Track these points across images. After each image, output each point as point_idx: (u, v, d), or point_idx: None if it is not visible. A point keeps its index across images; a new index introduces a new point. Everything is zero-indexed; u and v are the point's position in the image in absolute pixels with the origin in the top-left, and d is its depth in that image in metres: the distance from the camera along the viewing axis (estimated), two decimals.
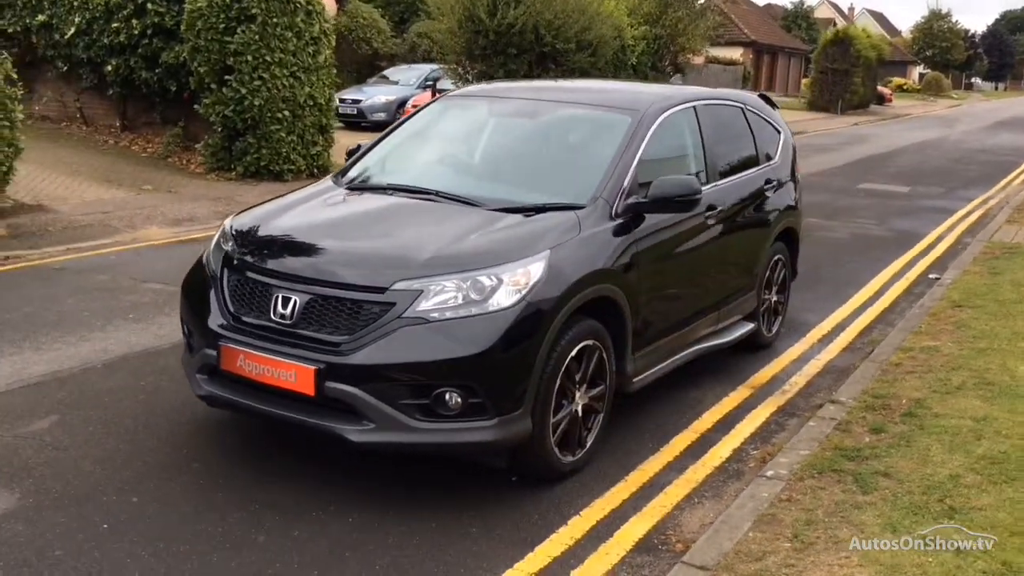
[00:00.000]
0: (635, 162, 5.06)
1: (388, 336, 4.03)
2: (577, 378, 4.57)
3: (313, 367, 4.05)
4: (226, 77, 13.06)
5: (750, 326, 6.44)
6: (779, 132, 7.03)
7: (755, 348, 6.73)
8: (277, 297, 4.26)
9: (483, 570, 3.81)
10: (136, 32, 14.21)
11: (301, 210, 4.99)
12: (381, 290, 4.12)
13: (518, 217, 4.66)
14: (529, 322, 4.16)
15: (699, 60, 28.08)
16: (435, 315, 4.07)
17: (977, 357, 6.39)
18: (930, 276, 9.26)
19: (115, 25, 14.41)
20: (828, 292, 8.56)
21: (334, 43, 14.41)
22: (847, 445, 4.97)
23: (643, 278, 4.97)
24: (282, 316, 4.22)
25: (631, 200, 4.92)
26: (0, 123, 9.86)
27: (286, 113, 13.22)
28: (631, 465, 4.85)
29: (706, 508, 4.42)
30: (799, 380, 6.28)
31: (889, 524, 4.08)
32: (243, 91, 12.85)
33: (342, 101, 20.10)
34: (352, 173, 5.54)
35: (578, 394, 4.58)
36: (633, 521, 4.28)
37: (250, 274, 4.42)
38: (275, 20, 13.07)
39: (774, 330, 6.95)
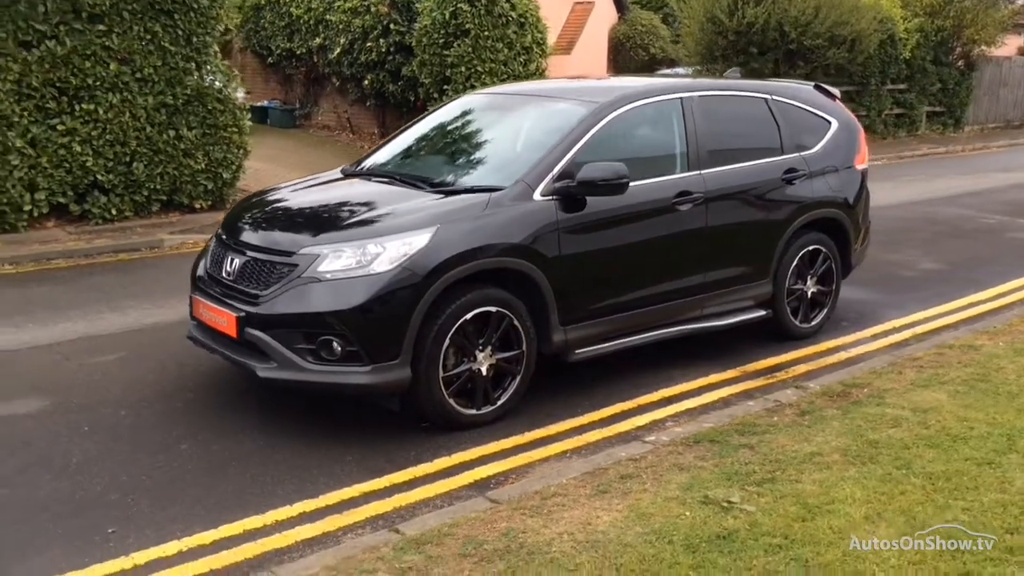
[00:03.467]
0: (574, 149, 5.54)
1: (289, 291, 4.95)
2: (480, 341, 5.17)
3: (236, 315, 5.05)
4: (444, 87, 14.48)
5: (759, 313, 6.56)
6: (829, 123, 7.00)
7: (783, 337, 6.78)
8: (227, 259, 5.32)
9: (328, 486, 4.57)
10: (383, 50, 16.08)
11: (289, 191, 6.02)
12: (290, 254, 5.04)
13: (436, 197, 5.37)
14: (404, 284, 4.87)
15: (1004, 51, 25.71)
16: (328, 275, 4.92)
17: (1012, 356, 6.07)
18: None
19: (368, 44, 16.38)
20: (940, 291, 8.23)
21: (547, 51, 15.35)
22: (752, 421, 5.15)
23: (575, 256, 5.44)
24: (227, 274, 5.27)
25: (559, 184, 5.41)
26: (231, 130, 11.83)
27: None
28: (539, 424, 5.34)
29: (565, 464, 4.83)
30: (802, 368, 6.32)
31: (692, 483, 4.33)
32: None
33: None
34: (365, 162, 6.48)
35: (481, 355, 5.19)
36: (491, 465, 4.83)
37: (221, 241, 5.53)
38: (487, 34, 14.29)
39: (814, 322, 6.94)
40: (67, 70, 10.38)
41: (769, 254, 6.51)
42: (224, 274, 5.32)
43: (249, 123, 12.31)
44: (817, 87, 7.30)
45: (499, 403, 5.33)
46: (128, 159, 10.97)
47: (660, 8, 29.52)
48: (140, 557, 3.91)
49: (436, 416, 5.16)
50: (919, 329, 7.12)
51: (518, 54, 14.60)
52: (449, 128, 6.54)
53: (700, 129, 6.16)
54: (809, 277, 6.85)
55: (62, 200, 10.62)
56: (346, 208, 5.53)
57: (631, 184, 5.62)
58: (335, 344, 4.87)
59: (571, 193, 5.43)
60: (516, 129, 6.20)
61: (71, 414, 5.37)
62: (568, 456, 4.95)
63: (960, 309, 7.72)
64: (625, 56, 28.34)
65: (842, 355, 6.60)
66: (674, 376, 6.11)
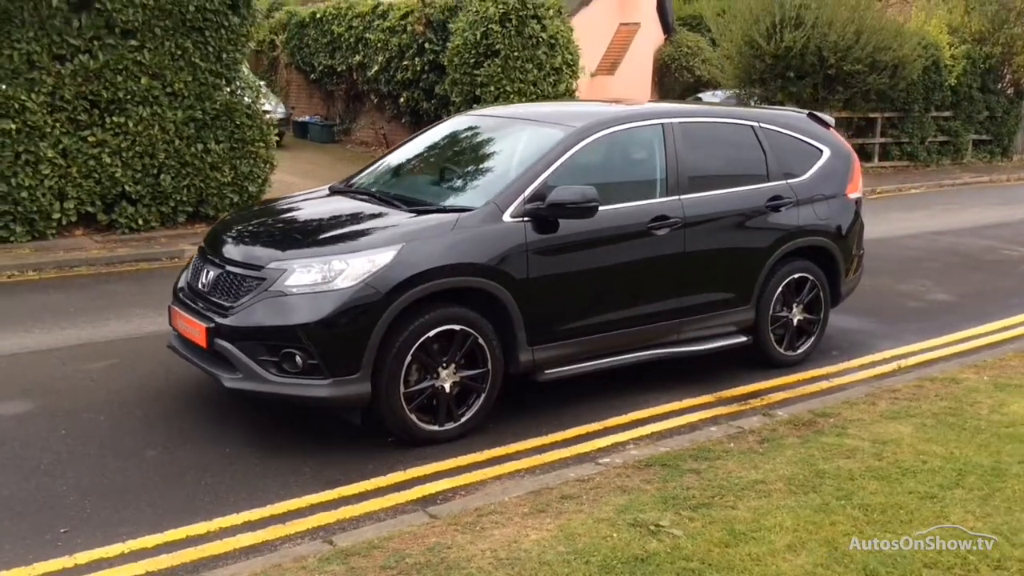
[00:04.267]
0: (547, 172, 5.64)
1: (255, 304, 5.11)
2: (444, 358, 5.28)
3: (206, 325, 5.22)
4: (474, 106, 14.66)
5: (741, 339, 6.57)
6: (820, 151, 7.01)
7: (767, 364, 6.78)
8: (204, 271, 5.51)
9: (279, 496, 4.71)
10: (418, 69, 16.36)
11: (275, 207, 6.22)
12: (259, 268, 5.21)
13: (409, 216, 5.51)
14: (366, 301, 5.00)
15: None
16: (294, 290, 5.07)
17: (991, 391, 6.01)
18: None
19: (405, 63, 16.67)
20: (943, 323, 8.16)
21: (579, 72, 15.46)
22: (709, 447, 5.18)
23: (544, 278, 5.53)
24: (203, 285, 5.46)
25: (530, 206, 5.51)
26: (258, 144, 12.14)
27: None
28: (502, 442, 5.43)
29: (514, 482, 4.90)
30: (779, 396, 6.32)
31: (629, 506, 4.38)
32: None
33: None
34: (354, 180, 6.64)
35: (444, 372, 5.29)
36: (443, 481, 4.92)
37: (201, 253, 5.73)
38: (516, 54, 14.45)
39: (800, 350, 6.93)
40: (99, 84, 10.75)
41: (751, 280, 6.52)
42: (200, 286, 5.51)
43: (276, 138, 12.61)
44: (811, 115, 7.31)
45: (462, 420, 5.42)
46: (156, 171, 11.32)
47: (707, 30, 29.45)
48: (83, 557, 4.07)
49: (397, 431, 5.27)
50: (909, 361, 7.05)
51: (548, 74, 14.72)
52: (435, 148, 6.69)
53: (681, 155, 6.21)
54: (795, 305, 6.84)
55: (90, 209, 10.99)
56: (320, 225, 5.70)
57: (605, 208, 5.72)
58: (297, 357, 5.02)
59: (541, 215, 5.52)
60: (497, 151, 6.32)
61: (53, 417, 5.59)
62: (521, 475, 5.01)
63: (958, 342, 7.62)
64: (671, 78, 28.35)
65: (824, 384, 6.57)
66: (648, 399, 6.15)
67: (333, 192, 6.45)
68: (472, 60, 14.61)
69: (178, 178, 11.46)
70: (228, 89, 11.84)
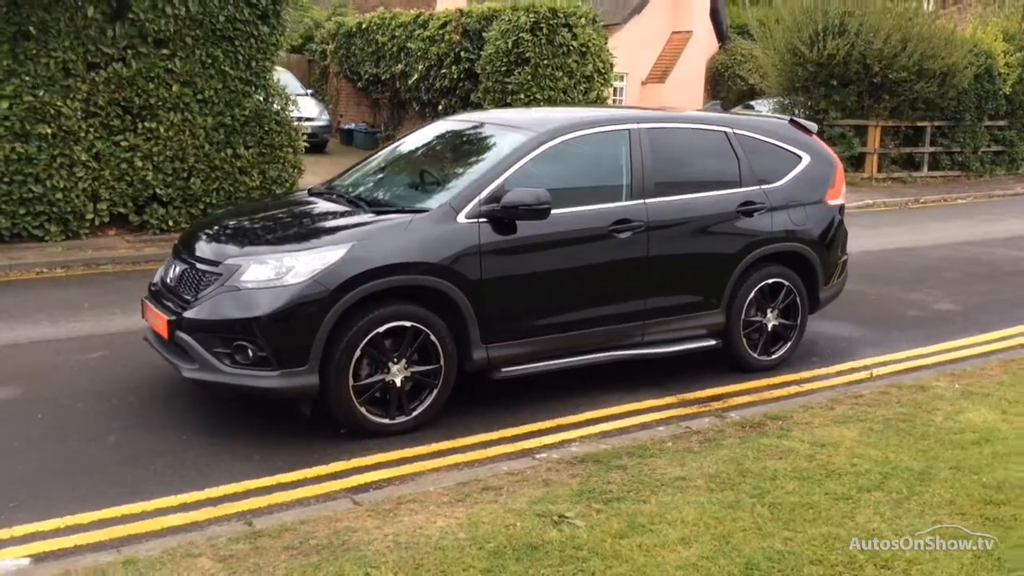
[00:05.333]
0: (505, 175, 5.78)
1: (211, 299, 5.36)
2: (396, 354, 5.46)
3: (168, 318, 5.49)
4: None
5: (709, 342, 6.62)
6: (799, 158, 7.03)
7: (740, 368, 6.81)
8: (172, 267, 5.79)
9: (221, 481, 4.92)
10: (455, 77, 16.62)
11: (252, 208, 6.48)
12: (216, 264, 5.46)
13: (369, 216, 5.71)
14: (313, 297, 5.20)
15: None
16: (248, 285, 5.31)
17: (954, 399, 5.98)
18: None
19: (443, 71, 16.95)
20: (939, 332, 8.09)
21: (611, 80, 15.55)
22: (647, 445, 5.26)
23: (498, 278, 5.68)
24: (170, 280, 5.73)
25: (486, 207, 5.67)
26: (286, 150, 12.51)
27: None
28: (452, 436, 5.58)
29: (448, 474, 5.03)
30: (742, 400, 6.35)
31: (544, 498, 4.50)
32: None
33: None
34: (334, 182, 6.87)
35: (395, 367, 5.47)
36: (382, 471, 5.09)
37: (174, 252, 6.01)
38: (546, 62, 14.61)
39: (775, 355, 6.94)
40: (132, 91, 11.23)
41: (720, 285, 6.57)
42: (168, 281, 5.78)
43: (305, 144, 12.95)
44: (792, 122, 7.32)
45: (414, 414, 5.59)
46: (186, 175, 11.75)
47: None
48: (20, 530, 4.33)
49: (347, 422, 5.46)
50: (888, 369, 7.02)
51: (578, 82, 14.86)
52: (410, 153, 6.89)
53: (648, 160, 6.30)
54: (770, 310, 6.85)
55: (123, 211, 11.47)
56: (282, 224, 5.95)
57: (564, 211, 5.86)
58: (248, 349, 5.24)
59: (496, 216, 5.66)
60: (465, 155, 6.49)
61: (33, 403, 5.91)
62: (460, 468, 5.15)
63: (947, 351, 7.54)
64: (724, 86, 28.22)
65: (793, 389, 6.58)
66: (609, 400, 6.24)
67: (311, 194, 6.69)
68: (503, 68, 14.82)
69: (207, 181, 11.87)
70: (259, 96, 12.22)
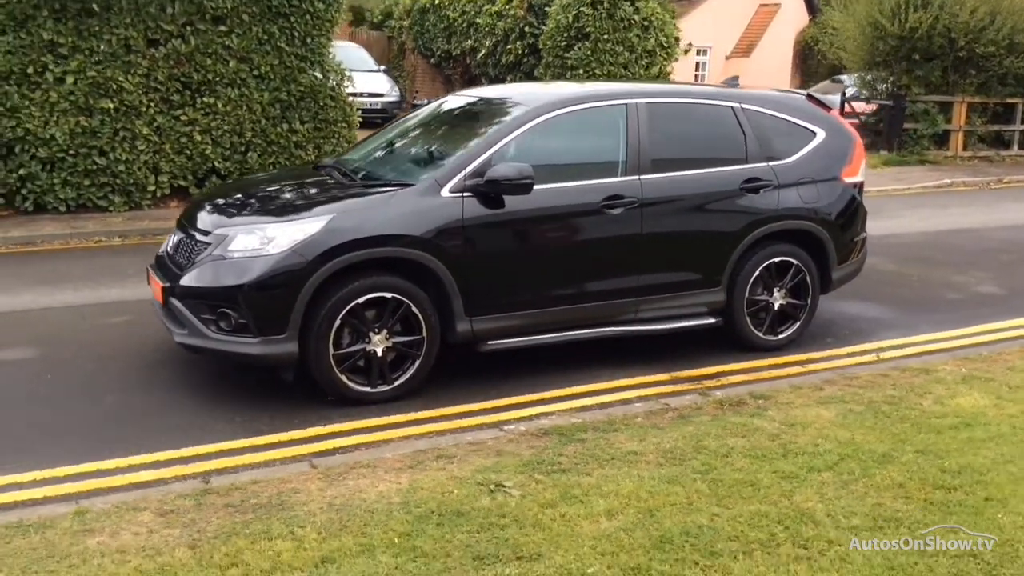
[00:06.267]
0: (491, 149, 5.83)
1: (200, 267, 5.58)
2: (377, 325, 5.59)
3: (163, 285, 5.74)
4: None
5: (708, 320, 6.57)
6: (813, 133, 6.88)
7: (744, 348, 6.74)
8: (173, 237, 6.04)
9: (199, 441, 5.12)
10: (519, 52, 16.65)
11: (257, 180, 6.68)
12: (207, 233, 5.67)
13: (356, 190, 5.86)
14: (292, 267, 5.36)
15: None
16: (235, 254, 5.51)
17: (951, 384, 5.82)
18: None
19: (508, 47, 16.99)
20: (973, 315, 7.83)
21: (675, 54, 15.33)
22: (616, 420, 5.29)
23: (482, 251, 5.76)
24: (171, 249, 5.98)
25: (471, 182, 5.74)
26: (340, 125, 12.78)
27: None
28: (433, 406, 5.69)
29: (411, 442, 5.14)
30: (737, 379, 6.27)
31: (491, 467, 4.58)
32: None
33: None
34: (343, 156, 7.03)
35: (376, 337, 5.61)
36: (354, 437, 5.24)
37: (177, 223, 6.26)
38: (606, 37, 14.51)
39: (782, 335, 6.83)
40: (190, 66, 11.62)
41: (720, 262, 6.49)
42: (169, 250, 6.03)
43: (360, 119, 13.18)
44: (809, 97, 7.15)
45: (396, 383, 5.71)
46: (244, 149, 12.12)
47: None
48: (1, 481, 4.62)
49: (328, 389, 5.62)
50: (901, 352, 6.84)
51: (639, 57, 14.71)
52: (413, 127, 6.99)
53: (644, 135, 6.25)
54: (777, 289, 6.74)
55: (183, 183, 11.89)
56: (275, 196, 6.13)
57: (552, 185, 5.90)
58: (231, 316, 5.45)
59: (480, 191, 5.72)
60: (460, 130, 6.55)
61: (48, 363, 6.26)
62: (430, 436, 5.26)
63: (971, 335, 7.29)
64: (814, 60, 27.48)
65: (796, 369, 6.48)
66: (601, 375, 6.26)
67: (316, 167, 6.86)
68: (563, 43, 14.78)
69: (264, 156, 12.22)
70: (315, 73, 12.48)
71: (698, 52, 26.34)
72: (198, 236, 5.77)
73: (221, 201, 6.24)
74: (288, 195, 6.10)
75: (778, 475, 4.46)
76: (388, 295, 5.58)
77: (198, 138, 11.78)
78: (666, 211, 6.28)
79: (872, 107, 19.37)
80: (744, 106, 6.71)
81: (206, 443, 5.11)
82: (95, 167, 11.29)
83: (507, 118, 6.07)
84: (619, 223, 6.12)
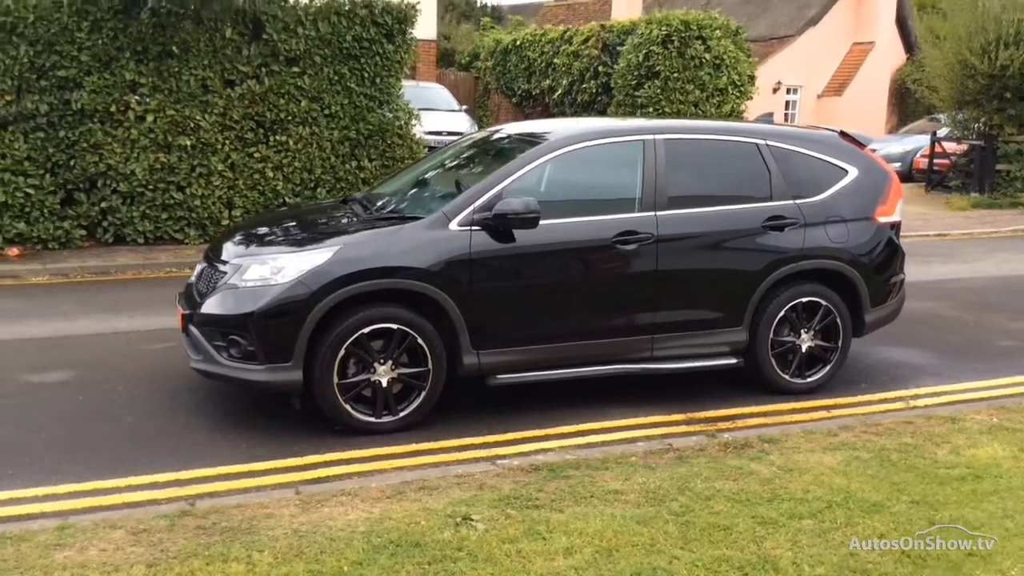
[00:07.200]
0: (502, 184, 5.88)
1: (215, 295, 5.77)
2: (383, 355, 5.68)
3: (184, 312, 5.96)
4: None
5: (729, 361, 6.44)
6: (844, 171, 6.72)
7: (771, 390, 6.57)
8: (198, 266, 6.27)
9: (202, 464, 5.26)
10: (593, 91, 16.75)
11: (286, 212, 6.87)
12: (224, 263, 5.87)
13: (368, 221, 6.00)
14: (297, 296, 5.50)
15: None
16: (246, 284, 5.68)
17: (973, 434, 5.59)
18: None
19: (584, 86, 17.11)
20: (1020, 365, 7.47)
21: (748, 92, 15.17)
22: (611, 458, 5.22)
23: (489, 285, 5.80)
24: (196, 279, 6.21)
25: (479, 216, 5.80)
26: (407, 162, 13.02)
27: None
28: (435, 438, 5.71)
29: (400, 473, 5.17)
30: (755, 422, 6.13)
31: (465, 500, 4.58)
32: None
33: None
34: (374, 190, 7.19)
35: (381, 367, 5.69)
36: (348, 467, 5.30)
37: (204, 253, 6.49)
38: (676, 75, 14.48)
39: (811, 378, 6.64)
40: (264, 106, 12.08)
41: (742, 301, 6.37)
42: (194, 279, 6.26)
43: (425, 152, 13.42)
44: (842, 134, 6.99)
45: (401, 414, 5.77)
46: (313, 185, 12.51)
47: None
48: (4, 496, 4.83)
49: (333, 418, 5.72)
50: (936, 400, 6.56)
51: (711, 95, 14.61)
52: (440, 162, 7.10)
53: (662, 171, 6.21)
54: (805, 330, 6.57)
55: None
56: (297, 228, 6.29)
57: (563, 221, 5.93)
58: (240, 343, 5.61)
59: (488, 224, 5.78)
60: (479, 165, 6.62)
61: (81, 386, 6.54)
62: (424, 468, 5.28)
63: (1015, 385, 6.94)
64: (911, 99, 26.78)
65: (820, 415, 6.27)
66: (614, 412, 6.19)
67: (345, 202, 7.03)
68: (634, 82, 14.79)
69: (333, 192, 12.56)
70: (384, 112, 12.80)
71: (788, 91, 25.99)
72: (219, 265, 5.96)
73: (244, 232, 6.45)
74: (306, 227, 6.26)
75: (756, 520, 4.33)
76: (394, 326, 5.65)
77: (270, 174, 12.20)
78: (683, 248, 6.20)
79: (963, 147, 18.74)
80: (769, 143, 6.59)
81: (206, 467, 5.24)
82: (172, 201, 11.79)
83: (523, 154, 6.11)
84: (633, 259, 6.08)
